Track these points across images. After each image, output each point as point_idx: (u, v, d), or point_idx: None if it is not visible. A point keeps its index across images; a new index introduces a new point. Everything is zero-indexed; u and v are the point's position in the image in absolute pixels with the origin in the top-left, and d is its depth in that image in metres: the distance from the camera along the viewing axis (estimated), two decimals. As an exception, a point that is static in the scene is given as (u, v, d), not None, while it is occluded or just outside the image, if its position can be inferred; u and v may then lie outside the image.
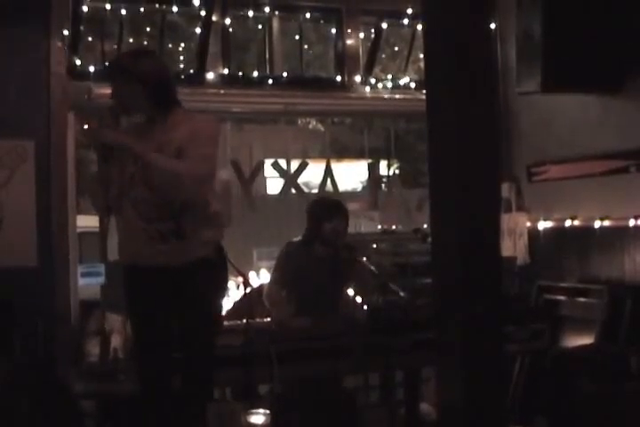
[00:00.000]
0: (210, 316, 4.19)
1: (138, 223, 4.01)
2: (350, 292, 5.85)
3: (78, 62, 6.02)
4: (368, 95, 6.97)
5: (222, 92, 6.45)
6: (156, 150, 3.92)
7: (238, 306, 5.96)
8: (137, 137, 4.02)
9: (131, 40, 6.79)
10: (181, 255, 4.03)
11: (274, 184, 10.11)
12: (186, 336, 4.11)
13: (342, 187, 7.95)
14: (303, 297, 5.47)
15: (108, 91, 5.95)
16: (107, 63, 4.00)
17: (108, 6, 6.10)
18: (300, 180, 7.07)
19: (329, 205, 5.67)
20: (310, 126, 15.62)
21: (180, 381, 4.13)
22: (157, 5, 6.33)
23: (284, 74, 6.77)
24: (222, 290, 4.29)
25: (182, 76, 6.39)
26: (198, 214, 4.03)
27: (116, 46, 6.31)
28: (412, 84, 7.06)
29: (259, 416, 4.95)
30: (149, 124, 4.08)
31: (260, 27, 7.04)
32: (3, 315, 5.17)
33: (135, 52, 4.33)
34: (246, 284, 4.73)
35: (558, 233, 6.58)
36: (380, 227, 7.44)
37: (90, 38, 6.79)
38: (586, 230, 6.29)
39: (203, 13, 6.37)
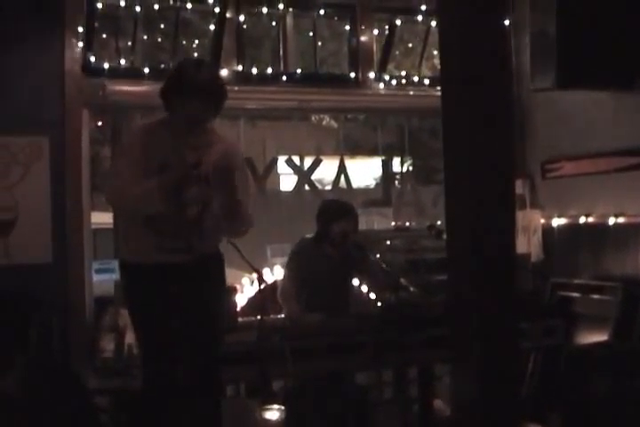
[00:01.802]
0: (220, 311, 4.25)
1: (151, 239, 4.05)
2: (364, 289, 5.87)
3: (93, 59, 6.03)
4: (382, 92, 6.95)
5: (236, 88, 6.42)
6: (196, 161, 4.03)
7: (252, 302, 5.97)
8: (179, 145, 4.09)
9: (145, 37, 6.77)
10: (191, 258, 4.12)
11: (287, 181, 10.10)
12: (196, 334, 4.13)
13: (356, 184, 7.95)
14: (314, 294, 5.48)
15: (122, 87, 6.06)
16: (197, 80, 4.03)
17: (122, 3, 6.10)
18: (314, 176, 7.07)
19: (337, 207, 5.71)
20: (324, 123, 15.60)
21: (191, 378, 4.15)
22: (172, 2, 6.33)
23: (298, 70, 6.75)
24: (224, 282, 4.40)
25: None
26: (212, 232, 4.17)
27: (130, 43, 6.32)
28: (426, 81, 7.04)
29: (273, 412, 4.96)
30: (180, 140, 4.12)
31: (273, 23, 7.02)
32: (18, 311, 5.19)
33: (215, 71, 4.45)
34: (260, 280, 4.73)
35: (572, 230, 6.56)
36: (393, 224, 7.44)
37: (104, 35, 6.79)
38: (600, 227, 6.27)
39: (217, 10, 6.37)
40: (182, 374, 4.14)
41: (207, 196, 4.08)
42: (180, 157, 4.03)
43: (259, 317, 4.91)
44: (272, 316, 5.49)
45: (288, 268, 5.72)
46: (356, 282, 5.86)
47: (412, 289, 5.57)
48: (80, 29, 5.91)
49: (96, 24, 6.08)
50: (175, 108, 4.10)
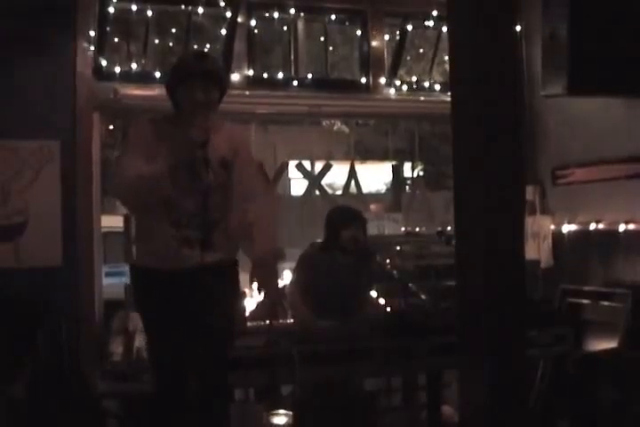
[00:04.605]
0: (228, 316, 4.24)
1: (167, 229, 4.05)
2: (373, 294, 5.86)
3: (104, 63, 6.04)
4: (392, 97, 6.95)
5: (247, 93, 6.46)
6: (203, 141, 4.02)
7: (261, 307, 5.96)
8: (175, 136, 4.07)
9: (156, 41, 6.79)
10: (204, 259, 4.09)
11: (298, 185, 10.11)
12: (206, 338, 4.13)
13: (366, 189, 7.94)
14: (323, 300, 5.48)
15: (133, 91, 6.07)
16: (197, 65, 4.10)
17: (134, 7, 6.12)
18: (324, 181, 7.07)
19: (345, 213, 5.71)
20: (335, 128, 15.61)
21: (200, 383, 4.15)
22: (183, 6, 6.36)
23: (309, 75, 6.76)
24: (238, 290, 4.39)
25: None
26: (226, 230, 4.15)
27: (141, 47, 6.34)
28: (437, 87, 7.04)
29: (281, 417, 4.96)
30: (187, 123, 4.11)
31: (285, 28, 7.03)
32: (28, 314, 5.20)
33: (214, 58, 4.51)
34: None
35: (582, 236, 6.55)
36: (403, 229, 7.42)
37: (116, 39, 6.81)
38: (610, 234, 6.25)
39: (228, 15, 6.38)
40: (194, 381, 4.14)
41: (223, 183, 4.12)
42: (188, 139, 4.03)
43: (267, 321, 4.92)
44: (281, 321, 5.49)
45: (297, 272, 5.72)
46: (365, 288, 5.85)
47: (421, 295, 5.57)
48: (92, 33, 5.94)
49: (108, 28, 6.10)
50: (182, 98, 4.13)
